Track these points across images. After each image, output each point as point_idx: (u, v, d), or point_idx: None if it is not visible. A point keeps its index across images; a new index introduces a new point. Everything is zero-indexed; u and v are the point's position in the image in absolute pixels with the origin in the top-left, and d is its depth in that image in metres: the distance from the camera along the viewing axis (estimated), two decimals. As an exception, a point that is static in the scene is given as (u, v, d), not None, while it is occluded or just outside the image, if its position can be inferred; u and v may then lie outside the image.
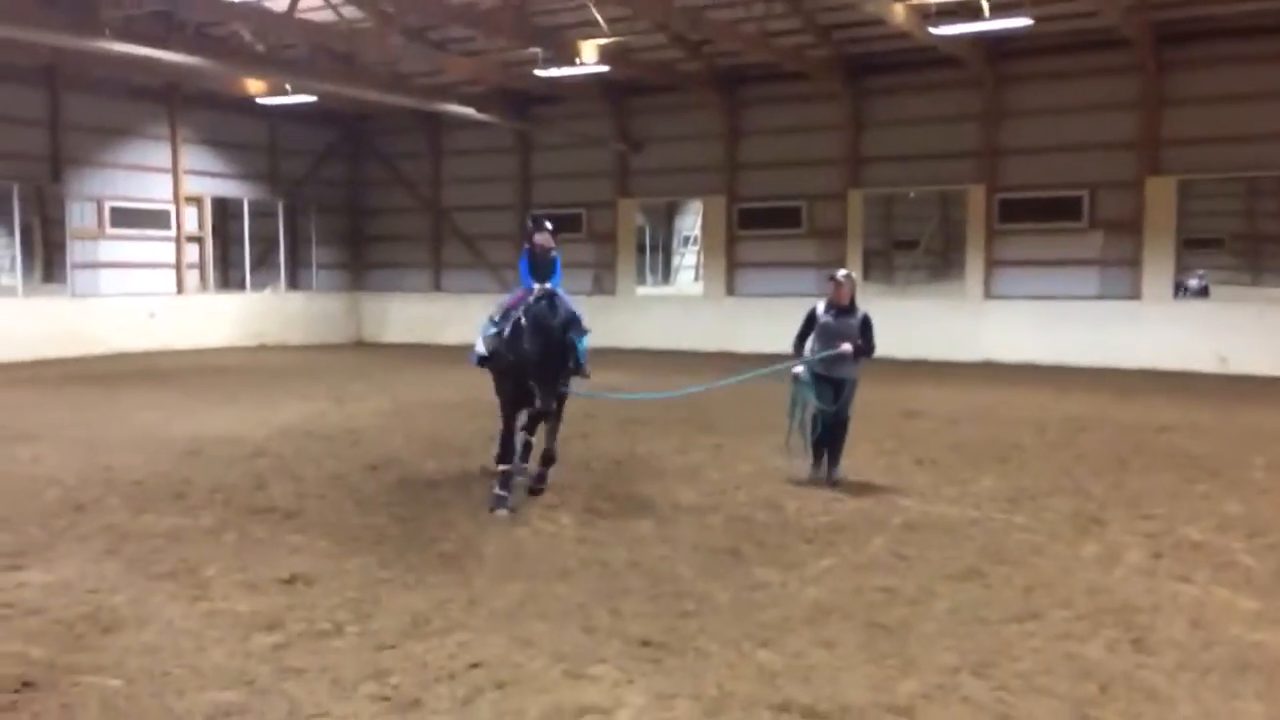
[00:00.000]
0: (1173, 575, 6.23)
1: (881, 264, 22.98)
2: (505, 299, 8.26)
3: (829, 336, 8.63)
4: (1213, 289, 20.35)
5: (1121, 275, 18.78)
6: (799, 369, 8.70)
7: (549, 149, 24.45)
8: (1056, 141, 19.04)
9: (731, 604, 5.72)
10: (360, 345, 25.88)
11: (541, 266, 8.12)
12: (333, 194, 26.91)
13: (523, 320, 7.56)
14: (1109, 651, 5.00)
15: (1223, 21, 17.35)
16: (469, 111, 21.62)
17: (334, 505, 7.97)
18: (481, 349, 8.03)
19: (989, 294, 19.91)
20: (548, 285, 7.85)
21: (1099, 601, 5.73)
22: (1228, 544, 6.91)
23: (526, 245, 8.30)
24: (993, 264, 19.93)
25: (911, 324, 19.38)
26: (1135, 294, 18.52)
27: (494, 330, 7.90)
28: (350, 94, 20.58)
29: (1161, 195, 18.14)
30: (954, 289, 20.75)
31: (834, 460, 8.81)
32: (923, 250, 23.86)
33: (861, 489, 8.60)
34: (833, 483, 8.64)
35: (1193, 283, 19.85)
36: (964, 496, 8.37)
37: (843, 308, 8.66)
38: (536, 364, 7.45)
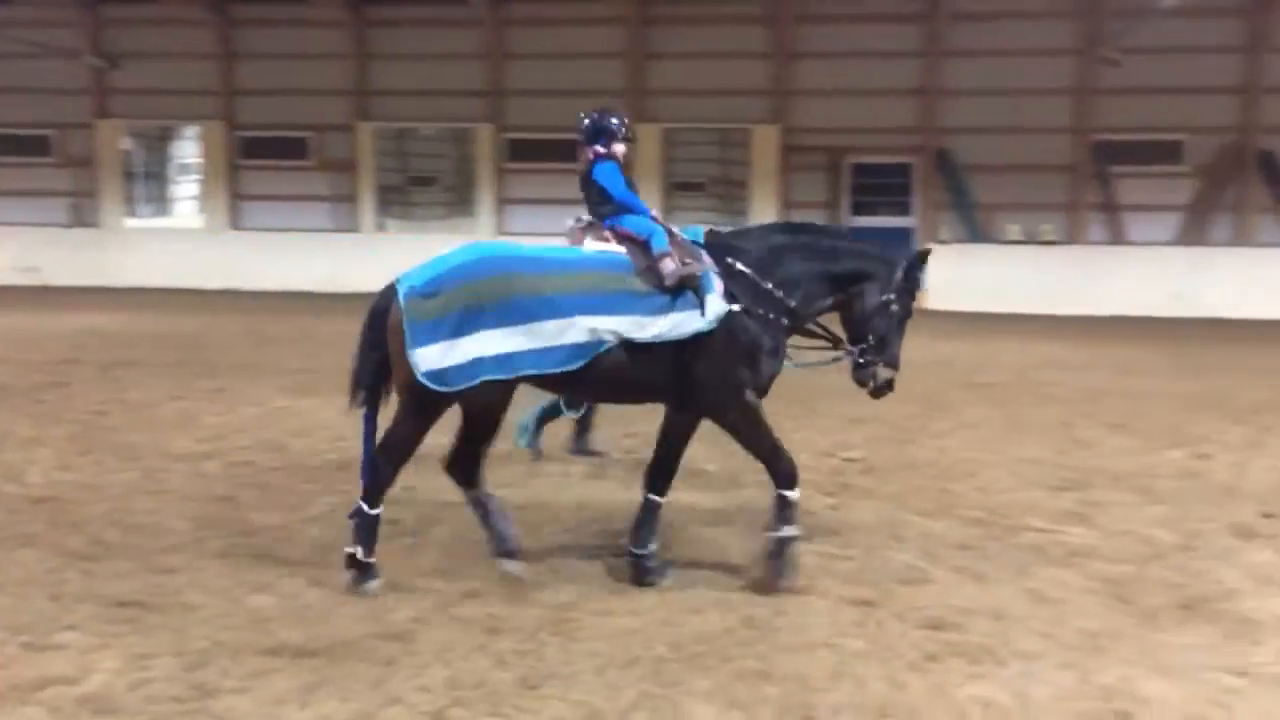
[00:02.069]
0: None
1: (399, 200, 22.75)
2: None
3: None
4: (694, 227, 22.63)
5: (617, 214, 20.31)
6: None
7: (3, 59, 21.15)
8: (559, 85, 20.00)
9: (225, 552, 5.47)
10: None
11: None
12: None
13: None
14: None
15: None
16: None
17: None
18: None
19: (501, 231, 20.60)
20: None
21: (582, 515, 6.24)
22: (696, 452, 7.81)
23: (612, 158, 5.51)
24: (503, 202, 20.63)
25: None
26: (628, 231, 20.12)
27: None
28: None
29: (650, 141, 19.80)
30: (470, 226, 21.19)
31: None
32: (441, 187, 23.97)
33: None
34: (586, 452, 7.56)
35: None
36: (469, 426, 8.65)
37: None
38: None
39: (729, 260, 5.13)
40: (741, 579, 5.20)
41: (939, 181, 19.20)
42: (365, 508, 4.99)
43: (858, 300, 5.32)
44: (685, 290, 4.95)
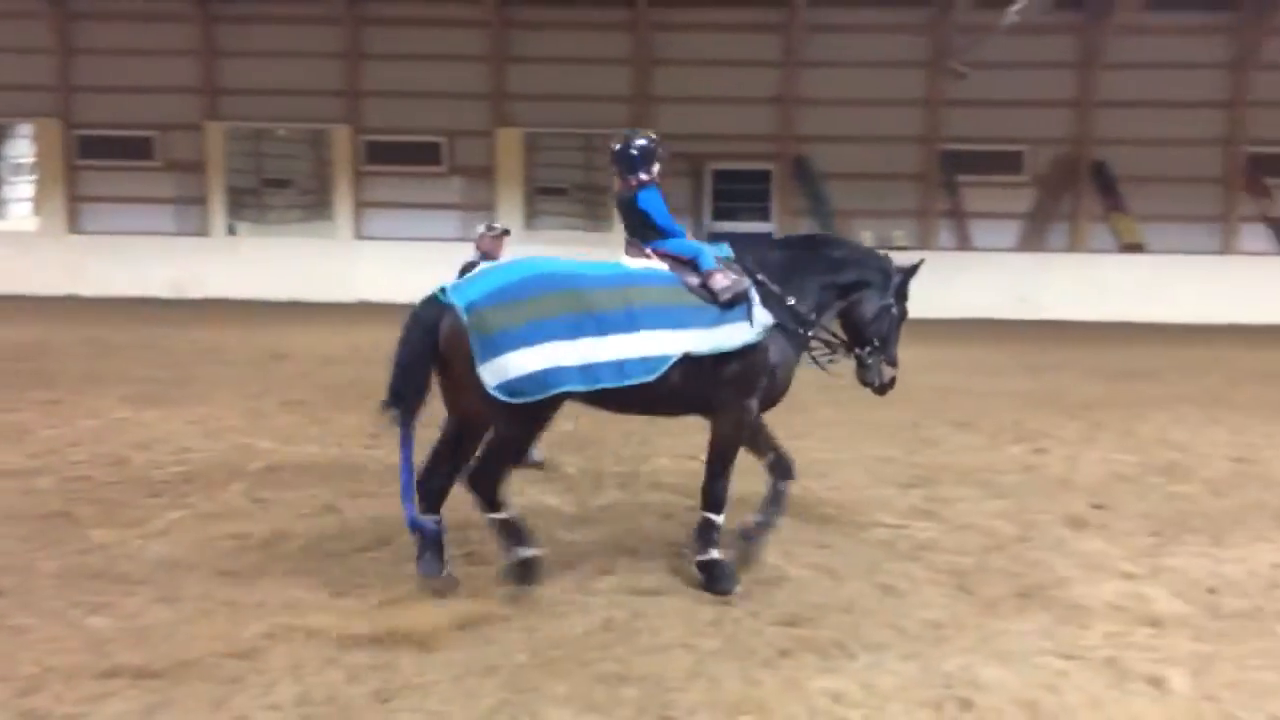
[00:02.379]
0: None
1: (251, 203, 22.01)
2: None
3: None
4: (561, 234, 22.46)
5: (479, 218, 20.13)
6: None
7: None
8: (416, 87, 19.72)
9: (60, 572, 5.19)
10: None
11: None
12: None
13: None
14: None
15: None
16: None
17: None
18: None
19: (359, 234, 20.17)
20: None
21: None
22: (558, 459, 7.80)
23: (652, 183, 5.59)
24: (362, 205, 20.20)
25: (285, 265, 19.38)
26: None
27: None
28: None
29: (511, 145, 19.71)
30: (328, 230, 20.67)
31: None
32: (296, 190, 23.30)
33: (220, 434, 8.28)
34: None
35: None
36: (327, 436, 8.45)
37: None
38: None
39: (755, 275, 5.35)
40: (602, 581, 5.22)
41: (797, 188, 19.70)
42: (495, 515, 5.01)
43: (859, 306, 5.61)
44: (734, 304, 5.13)
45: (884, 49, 19.41)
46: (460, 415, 5.12)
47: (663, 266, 5.30)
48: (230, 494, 6.69)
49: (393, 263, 19.79)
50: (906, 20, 19.34)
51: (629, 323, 4.92)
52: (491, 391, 4.74)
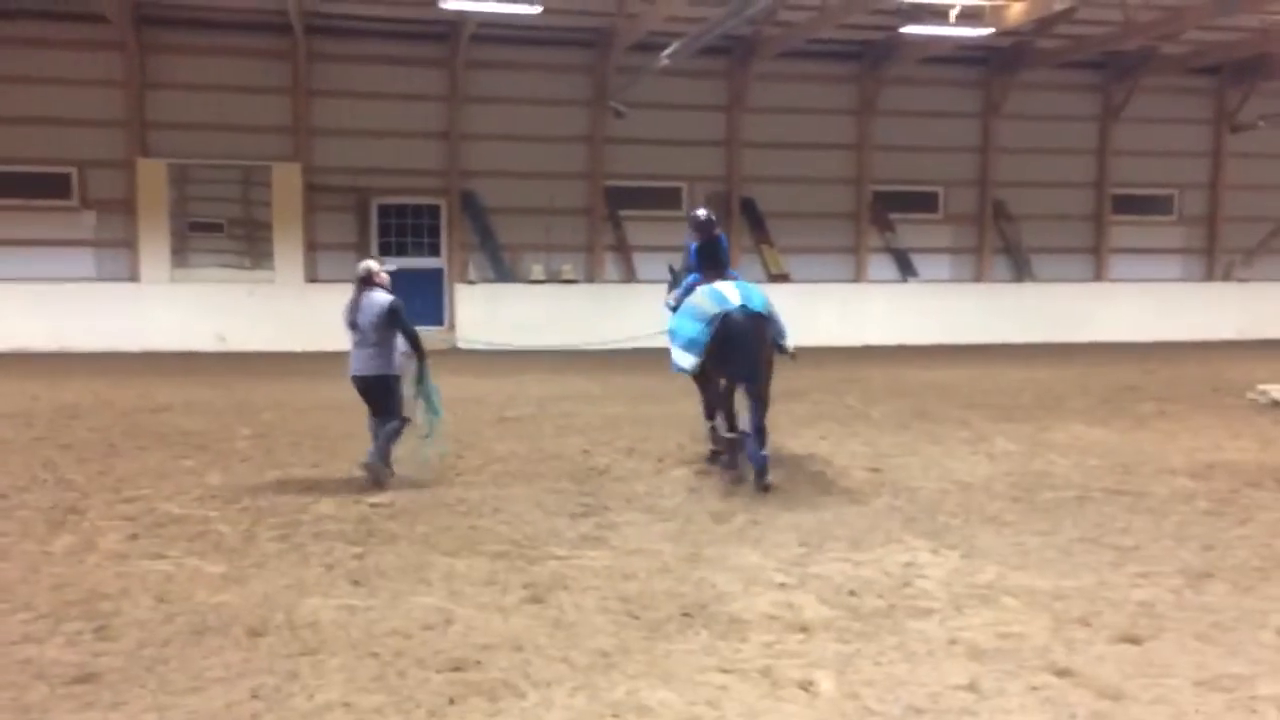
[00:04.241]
0: (148, 554, 6.25)
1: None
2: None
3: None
4: (214, 270, 21.04)
5: (118, 256, 18.49)
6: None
7: None
8: (42, 113, 17.83)
9: None
10: None
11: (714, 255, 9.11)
12: None
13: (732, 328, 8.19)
14: (68, 646, 4.78)
15: (201, 11, 18.02)
16: None
17: None
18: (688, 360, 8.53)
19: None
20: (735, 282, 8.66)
21: (65, 595, 5.46)
22: (205, 514, 7.20)
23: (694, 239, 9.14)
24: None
25: None
26: (134, 275, 18.35)
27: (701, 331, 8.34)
28: None
29: (153, 177, 18.22)
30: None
31: None
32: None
33: None
34: None
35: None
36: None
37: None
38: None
39: None
40: (257, 642, 4.81)
41: (464, 223, 19.64)
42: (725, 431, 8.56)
43: None
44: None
45: (548, 87, 19.82)
46: (745, 378, 8.17)
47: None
48: None
49: (13, 308, 17.77)
50: (570, 60, 19.86)
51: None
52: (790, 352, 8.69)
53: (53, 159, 18.03)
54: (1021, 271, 22.12)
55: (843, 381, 14.69)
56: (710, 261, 8.89)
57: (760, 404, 8.08)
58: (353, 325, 8.11)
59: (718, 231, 9.14)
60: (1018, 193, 21.99)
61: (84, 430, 10.43)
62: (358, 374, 8.14)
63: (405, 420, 8.25)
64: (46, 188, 18.11)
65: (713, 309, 8.17)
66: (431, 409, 8.32)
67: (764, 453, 8.02)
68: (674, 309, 9.06)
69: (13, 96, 17.78)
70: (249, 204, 20.09)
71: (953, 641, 4.97)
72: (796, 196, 20.89)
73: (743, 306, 8.11)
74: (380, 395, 8.12)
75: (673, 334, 8.84)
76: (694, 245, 9.04)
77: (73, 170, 18.12)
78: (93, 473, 8.46)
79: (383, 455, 8.08)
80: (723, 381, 8.38)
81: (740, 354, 8.07)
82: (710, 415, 8.90)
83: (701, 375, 8.64)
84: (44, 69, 17.83)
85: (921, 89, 21.14)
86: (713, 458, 8.88)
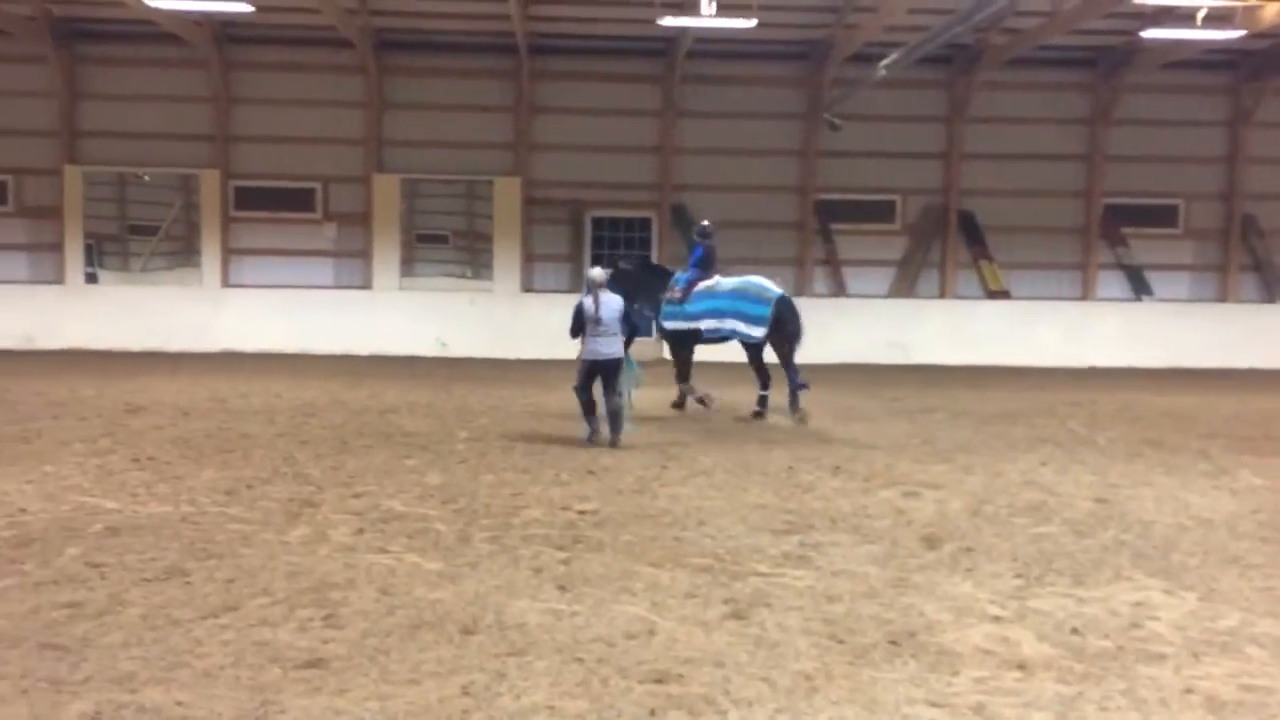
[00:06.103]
0: (373, 548, 6.59)
1: (114, 250, 21.08)
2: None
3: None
4: (438, 280, 22.17)
5: (354, 266, 19.73)
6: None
7: None
8: (290, 132, 19.28)
9: None
10: None
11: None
12: None
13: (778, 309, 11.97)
14: (300, 632, 5.09)
15: (435, 35, 19.06)
16: None
17: None
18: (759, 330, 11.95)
19: (227, 282, 19.51)
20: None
21: (298, 584, 5.83)
22: (424, 512, 7.54)
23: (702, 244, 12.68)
24: (230, 252, 19.56)
25: (149, 314, 18.75)
26: (367, 284, 19.56)
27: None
28: None
29: (387, 191, 19.37)
30: (194, 277, 19.93)
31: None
32: (163, 237, 22.46)
33: (63, 495, 7.75)
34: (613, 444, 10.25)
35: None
36: (179, 493, 7.98)
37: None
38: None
39: None
40: (469, 640, 4.98)
41: (675, 235, 19.84)
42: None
43: None
44: None
45: (762, 101, 19.79)
46: (791, 338, 12.01)
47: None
48: (66, 559, 6.22)
49: (259, 311, 19.23)
50: (784, 74, 19.77)
51: None
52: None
53: (300, 174, 19.45)
54: (1272, 291, 20.36)
55: (1066, 404, 13.92)
56: (708, 264, 12.41)
57: (791, 357, 12.09)
58: (597, 320, 10.09)
59: (713, 241, 12.75)
60: (1270, 206, 20.26)
61: (320, 428, 11.17)
62: (607, 357, 10.20)
63: (622, 395, 10.37)
64: (294, 201, 19.56)
65: (770, 294, 11.84)
66: (633, 378, 10.75)
67: (801, 380, 11.92)
68: (680, 300, 12.23)
69: (265, 117, 19.33)
70: (472, 216, 21.03)
71: (1188, 690, 4.59)
72: (1019, 210, 20.02)
73: (782, 294, 12.01)
74: (616, 371, 10.30)
75: (724, 314, 11.97)
76: (699, 250, 12.37)
77: (317, 185, 19.51)
78: (326, 468, 9.02)
79: (618, 426, 10.23)
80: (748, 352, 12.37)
81: (791, 325, 11.91)
82: (684, 379, 12.45)
83: (678, 344, 12.42)
84: (294, 91, 19.29)
85: (1162, 96, 19.86)
86: (758, 414, 12.18)
